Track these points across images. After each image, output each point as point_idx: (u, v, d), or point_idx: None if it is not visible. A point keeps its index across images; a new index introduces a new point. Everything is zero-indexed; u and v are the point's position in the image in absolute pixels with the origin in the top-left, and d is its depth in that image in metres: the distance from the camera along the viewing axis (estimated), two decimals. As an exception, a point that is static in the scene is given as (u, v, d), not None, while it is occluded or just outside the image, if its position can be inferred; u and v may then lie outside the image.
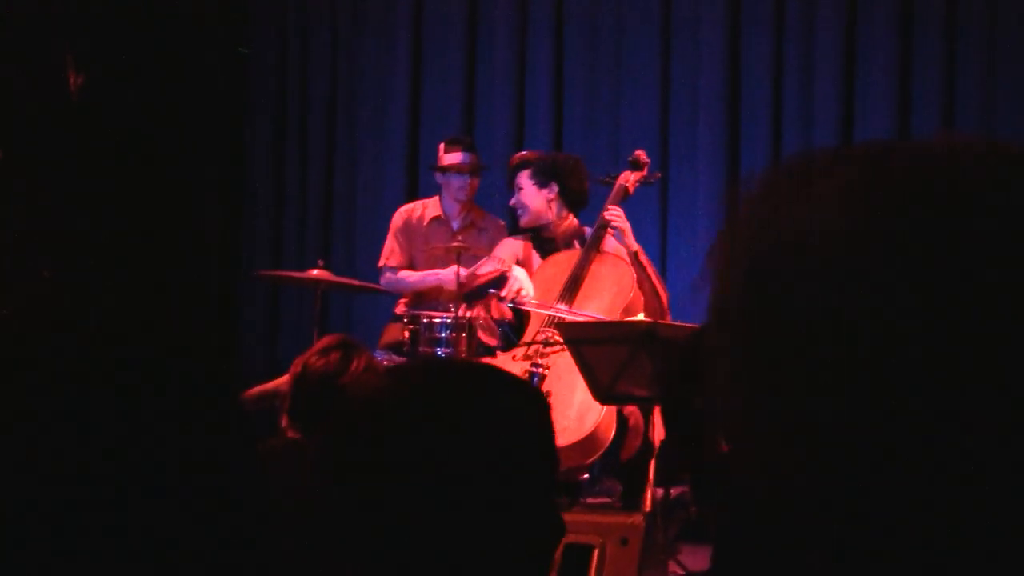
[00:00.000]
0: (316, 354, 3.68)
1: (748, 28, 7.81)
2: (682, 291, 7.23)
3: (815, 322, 0.75)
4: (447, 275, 6.71)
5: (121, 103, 7.89)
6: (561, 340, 5.57)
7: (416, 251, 7.08)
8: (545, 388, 5.65)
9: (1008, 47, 7.30)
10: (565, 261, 6.33)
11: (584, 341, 5.30)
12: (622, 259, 6.26)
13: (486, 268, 6.54)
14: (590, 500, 5.84)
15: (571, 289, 6.20)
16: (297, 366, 3.71)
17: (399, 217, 7.17)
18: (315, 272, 6.72)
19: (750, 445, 0.81)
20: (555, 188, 6.49)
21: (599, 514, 5.30)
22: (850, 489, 0.76)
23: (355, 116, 8.65)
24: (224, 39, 8.68)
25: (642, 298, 6.17)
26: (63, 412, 1.02)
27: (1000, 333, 0.72)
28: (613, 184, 6.45)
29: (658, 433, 5.51)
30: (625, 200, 6.42)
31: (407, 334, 6.51)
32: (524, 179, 6.52)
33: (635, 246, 6.27)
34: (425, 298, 6.95)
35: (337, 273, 6.95)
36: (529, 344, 6.01)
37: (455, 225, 7.08)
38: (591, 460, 5.77)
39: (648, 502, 5.34)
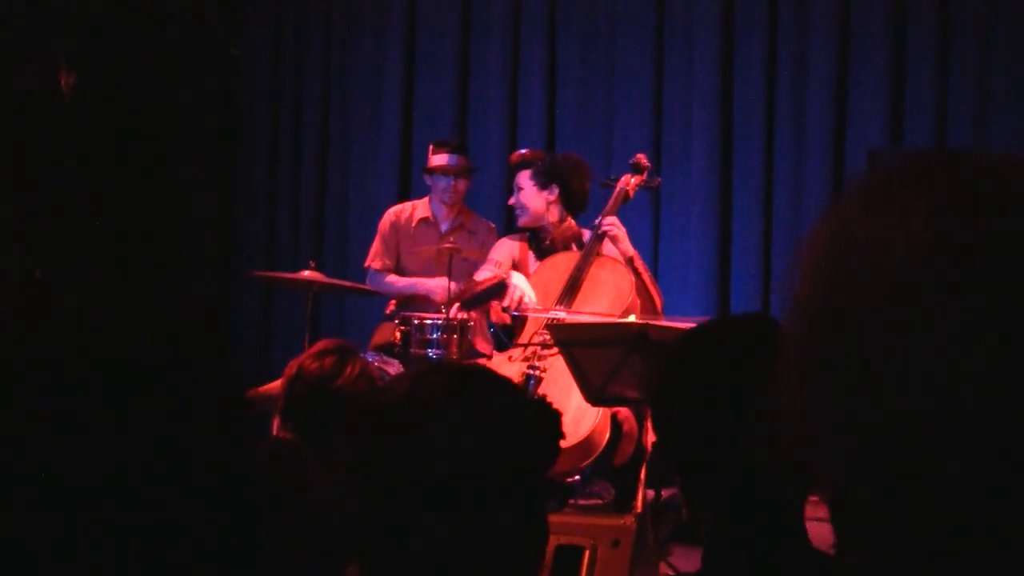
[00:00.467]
0: (311, 357, 3.69)
1: (741, 31, 7.82)
2: (676, 294, 7.25)
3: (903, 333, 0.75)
4: (435, 285, 6.73)
5: (114, 103, 7.88)
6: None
7: (404, 253, 7.08)
8: (541, 391, 5.65)
9: (1002, 49, 7.31)
10: (564, 264, 6.31)
11: (576, 343, 5.30)
12: (621, 263, 6.24)
13: (484, 274, 6.52)
14: (581, 502, 5.84)
15: (570, 292, 6.19)
16: (292, 368, 3.72)
17: (387, 219, 7.17)
18: (307, 273, 6.72)
19: (822, 442, 0.80)
20: (556, 190, 6.46)
21: (590, 516, 5.30)
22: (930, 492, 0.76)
23: (348, 117, 8.65)
24: (218, 40, 8.68)
25: (639, 302, 6.17)
26: (56, 412, 1.03)
27: None
28: (613, 187, 6.43)
29: (651, 437, 5.51)
30: (625, 204, 6.41)
31: (398, 335, 6.51)
32: (525, 179, 6.49)
33: (630, 251, 6.25)
34: (416, 300, 6.95)
35: (329, 274, 6.95)
36: (526, 346, 6.01)
37: (444, 227, 7.07)
38: (585, 464, 5.77)
39: (639, 504, 5.35)
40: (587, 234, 6.42)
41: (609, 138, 8.04)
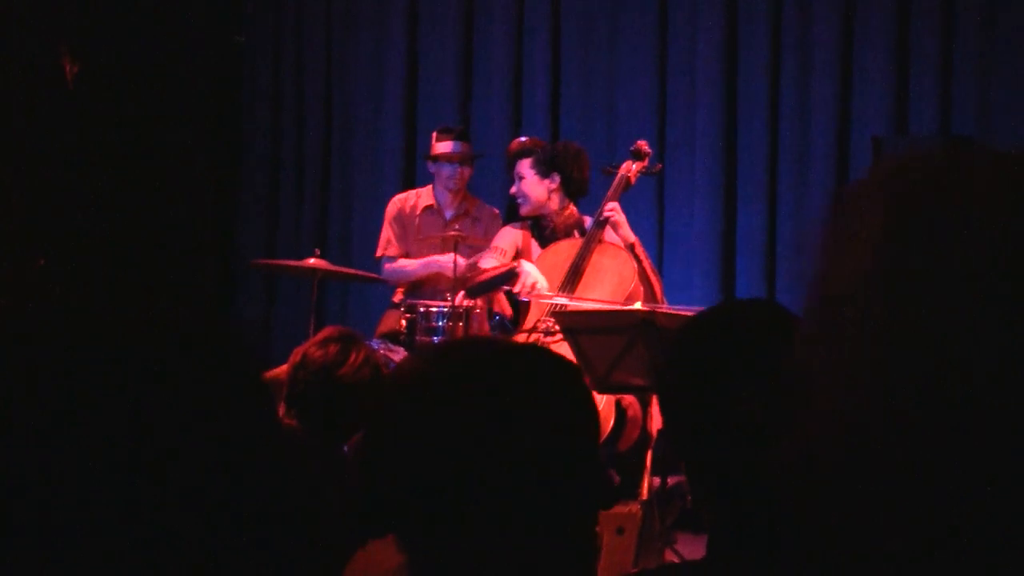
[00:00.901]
0: (316, 345, 3.69)
1: (745, 19, 7.80)
2: (679, 282, 7.25)
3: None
4: (447, 261, 6.71)
5: (117, 93, 7.88)
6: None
7: (410, 241, 7.08)
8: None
9: (1007, 37, 7.30)
10: (566, 251, 6.30)
11: (581, 330, 5.30)
12: (623, 250, 6.24)
13: (489, 261, 6.51)
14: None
15: (572, 279, 6.19)
16: (296, 355, 3.72)
17: (392, 206, 7.17)
18: (311, 261, 6.72)
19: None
20: (557, 178, 6.46)
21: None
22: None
23: (351, 105, 8.65)
24: (220, 27, 8.68)
25: (642, 289, 6.16)
26: (58, 403, 1.03)
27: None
28: (615, 174, 6.42)
29: (656, 423, 5.51)
30: (626, 190, 6.40)
31: (404, 323, 6.51)
32: (525, 168, 6.48)
33: (631, 237, 6.25)
34: (422, 287, 6.95)
35: (333, 262, 6.95)
36: (530, 332, 6.01)
37: (448, 214, 7.07)
38: (590, 450, 5.76)
39: (645, 491, 5.35)
40: (589, 221, 6.42)
41: (612, 127, 8.03)
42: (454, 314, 6.36)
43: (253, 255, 8.16)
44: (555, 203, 6.49)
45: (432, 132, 7.14)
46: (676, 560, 5.31)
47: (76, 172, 7.56)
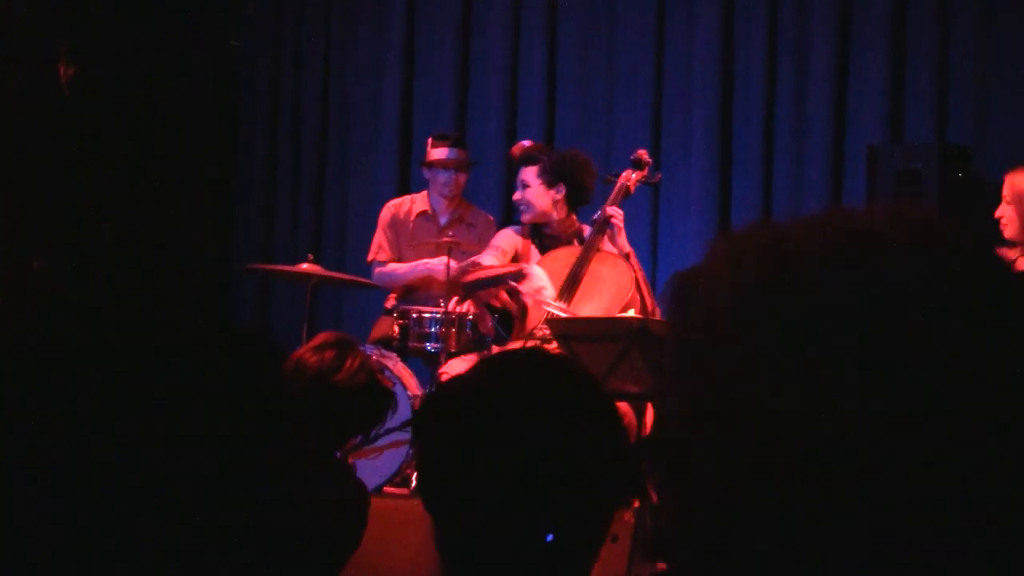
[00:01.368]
0: (311, 350, 3.67)
1: (741, 27, 7.80)
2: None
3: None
4: (437, 264, 6.70)
5: (113, 96, 7.87)
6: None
7: (404, 246, 7.07)
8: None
9: (1002, 44, 7.31)
10: (564, 258, 6.27)
11: (576, 337, 5.29)
12: (621, 259, 6.22)
13: (488, 259, 6.48)
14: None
15: (570, 287, 6.16)
16: (291, 361, 3.71)
17: (387, 212, 7.16)
18: (305, 266, 6.72)
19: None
20: (563, 189, 6.41)
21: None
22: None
23: (347, 110, 8.64)
24: (217, 32, 8.67)
25: (639, 298, 6.15)
26: (54, 404, 1.02)
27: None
28: (615, 183, 6.40)
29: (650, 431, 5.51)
30: (626, 199, 6.38)
31: (397, 329, 6.51)
32: (531, 176, 6.41)
33: (627, 248, 6.23)
34: (415, 293, 6.95)
35: (329, 267, 6.95)
36: (526, 338, 6.00)
37: (442, 220, 7.06)
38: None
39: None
40: (587, 230, 6.40)
41: (609, 134, 8.02)
42: (447, 320, 6.35)
43: (248, 260, 8.15)
44: (560, 212, 6.45)
45: (428, 138, 7.13)
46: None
47: (73, 174, 7.55)
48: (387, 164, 8.43)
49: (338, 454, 3.86)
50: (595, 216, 6.28)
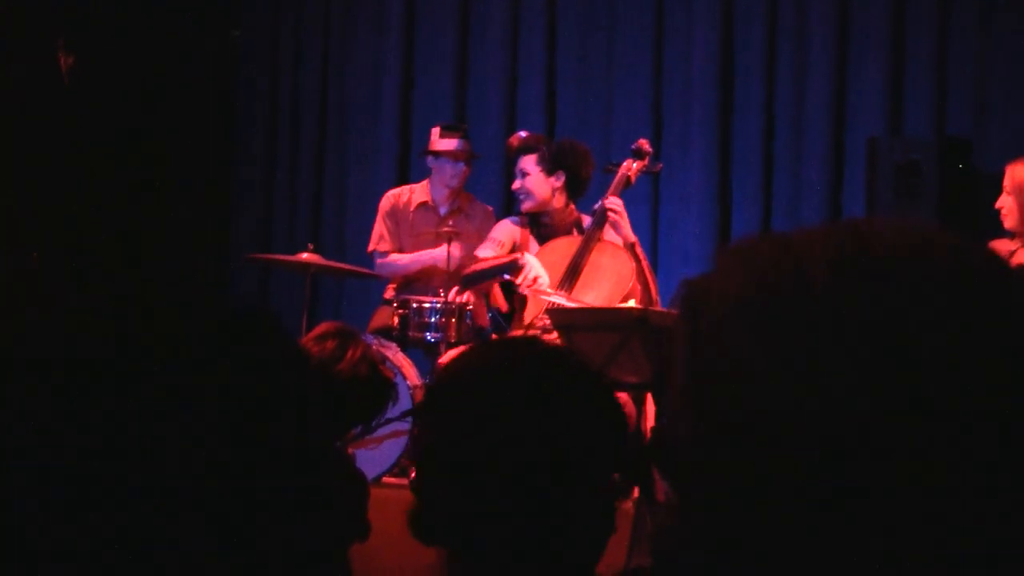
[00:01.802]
0: (312, 340, 3.67)
1: (741, 20, 7.81)
2: (672, 282, 7.24)
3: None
4: (440, 254, 6.70)
5: (112, 88, 7.87)
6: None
7: (403, 236, 7.06)
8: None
9: (1001, 40, 7.31)
10: (564, 248, 6.28)
11: (576, 327, 5.30)
12: (622, 249, 6.21)
13: (486, 252, 6.49)
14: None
15: (571, 277, 6.17)
16: (293, 350, 3.70)
17: (386, 201, 7.15)
18: (305, 256, 6.71)
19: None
20: (562, 176, 6.42)
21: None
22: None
23: (347, 100, 8.64)
24: (217, 22, 8.66)
25: (639, 288, 6.15)
26: (52, 403, 1.02)
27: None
28: (615, 172, 6.40)
29: (650, 422, 5.52)
30: (627, 189, 6.38)
31: (396, 319, 6.51)
32: (531, 164, 6.43)
33: (632, 237, 6.23)
34: (415, 283, 6.95)
35: (327, 257, 6.94)
36: (527, 328, 6.00)
37: (442, 211, 7.05)
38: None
39: (637, 488, 5.36)
40: (587, 220, 6.40)
41: (608, 128, 8.02)
42: (447, 310, 6.35)
43: (247, 250, 8.15)
44: (559, 201, 6.45)
45: (433, 128, 7.10)
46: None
47: (72, 167, 7.54)
48: (386, 154, 8.42)
49: (338, 444, 3.85)
50: (596, 206, 6.28)
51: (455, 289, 6.41)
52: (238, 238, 8.70)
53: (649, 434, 5.46)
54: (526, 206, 6.48)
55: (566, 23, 8.19)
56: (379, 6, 8.54)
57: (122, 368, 1.05)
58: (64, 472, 1.02)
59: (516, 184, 6.50)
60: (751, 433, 0.88)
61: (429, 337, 6.40)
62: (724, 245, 0.96)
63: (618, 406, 1.80)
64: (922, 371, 0.86)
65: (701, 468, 0.91)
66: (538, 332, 5.89)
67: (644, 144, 6.49)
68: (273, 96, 8.78)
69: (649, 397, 5.59)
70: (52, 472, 1.02)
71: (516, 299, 6.33)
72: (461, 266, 6.48)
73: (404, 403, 5.73)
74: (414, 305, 6.44)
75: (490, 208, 7.18)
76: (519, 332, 6.04)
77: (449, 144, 6.96)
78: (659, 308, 5.98)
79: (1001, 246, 5.33)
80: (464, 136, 7.01)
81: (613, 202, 6.22)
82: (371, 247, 7.10)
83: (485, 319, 6.64)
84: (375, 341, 6.24)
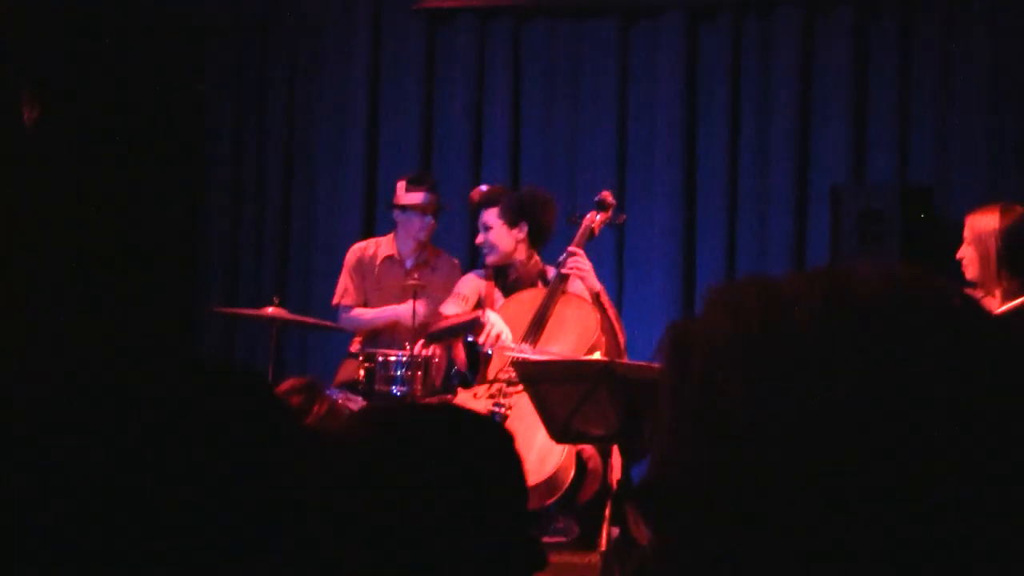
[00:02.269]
0: (279, 395, 3.66)
1: (705, 69, 7.86)
2: (638, 330, 7.26)
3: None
4: (404, 310, 6.69)
5: (75, 141, 7.85)
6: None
7: (369, 290, 7.05)
8: (507, 428, 5.61)
9: (963, 89, 7.40)
10: (529, 301, 6.28)
11: (541, 379, 5.29)
12: (586, 301, 6.21)
13: (450, 308, 6.49)
14: (546, 539, 5.83)
15: (535, 329, 6.16)
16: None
17: (352, 255, 7.14)
18: (270, 309, 6.69)
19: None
20: (525, 228, 6.43)
21: (555, 553, 5.29)
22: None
23: (312, 152, 8.63)
24: (181, 74, 8.66)
25: (604, 340, 6.15)
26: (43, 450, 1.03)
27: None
28: (579, 224, 6.41)
29: (616, 474, 5.51)
30: (590, 240, 6.39)
31: (363, 372, 6.49)
32: (492, 217, 6.44)
33: (597, 286, 6.24)
34: (381, 336, 6.93)
35: (293, 310, 6.92)
36: (492, 382, 6.00)
37: (408, 264, 7.04)
38: (550, 501, 5.75)
39: (604, 541, 5.34)
40: (551, 271, 6.40)
41: (572, 175, 8.04)
42: (413, 363, 6.33)
43: (212, 302, 8.12)
44: (522, 253, 6.47)
45: (399, 180, 7.09)
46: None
47: (34, 217, 7.52)
48: (352, 206, 8.41)
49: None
50: (561, 258, 6.29)
51: (421, 342, 6.40)
52: (203, 290, 8.66)
53: (615, 487, 5.44)
54: (490, 259, 6.49)
55: (531, 70, 8.21)
56: (344, 54, 8.54)
57: (108, 429, 1.06)
58: (45, 524, 1.03)
59: (480, 238, 6.51)
60: (742, 474, 0.90)
61: (395, 390, 6.38)
62: (710, 288, 0.98)
63: (518, 479, 1.78)
64: (910, 412, 0.88)
65: (691, 509, 0.92)
66: (503, 384, 5.89)
67: (607, 196, 6.50)
68: (238, 146, 8.76)
69: (615, 449, 5.58)
70: (27, 530, 1.03)
71: (481, 354, 6.32)
72: (426, 323, 6.48)
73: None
74: (380, 358, 6.42)
75: (456, 261, 7.18)
76: (484, 386, 6.04)
77: (416, 198, 6.96)
78: (625, 358, 5.99)
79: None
80: (431, 188, 7.01)
81: (574, 263, 6.21)
82: (335, 300, 7.09)
83: (441, 374, 6.63)
84: (341, 395, 6.21)
